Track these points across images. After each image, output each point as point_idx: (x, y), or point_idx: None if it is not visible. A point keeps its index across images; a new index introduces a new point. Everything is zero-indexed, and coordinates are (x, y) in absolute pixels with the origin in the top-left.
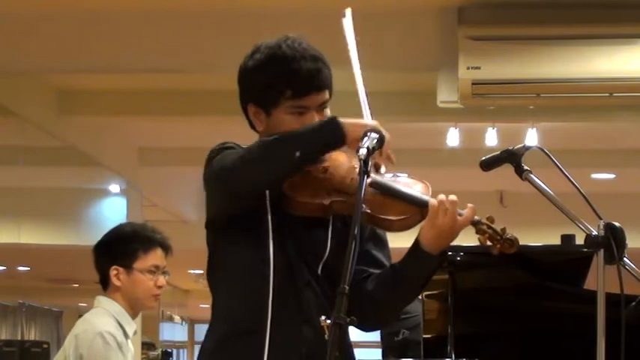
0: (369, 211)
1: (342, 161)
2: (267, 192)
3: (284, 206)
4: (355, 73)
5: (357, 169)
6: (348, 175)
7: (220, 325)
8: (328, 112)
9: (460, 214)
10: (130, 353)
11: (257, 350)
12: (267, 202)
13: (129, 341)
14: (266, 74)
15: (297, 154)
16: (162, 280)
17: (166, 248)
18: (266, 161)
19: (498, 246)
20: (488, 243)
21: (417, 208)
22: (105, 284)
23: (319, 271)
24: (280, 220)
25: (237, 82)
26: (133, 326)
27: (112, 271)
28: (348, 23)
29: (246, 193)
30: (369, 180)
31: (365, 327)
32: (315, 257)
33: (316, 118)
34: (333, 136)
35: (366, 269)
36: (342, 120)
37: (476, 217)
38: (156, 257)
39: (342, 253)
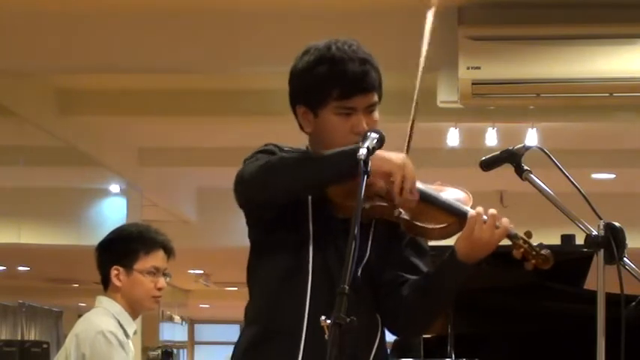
0: (407, 217)
1: None
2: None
3: (327, 207)
4: (419, 69)
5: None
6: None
7: (255, 324)
8: (377, 114)
9: (497, 227)
10: (131, 353)
11: (292, 352)
12: (310, 205)
13: (129, 341)
14: (314, 75)
15: (315, 178)
16: (162, 282)
17: (169, 251)
18: (282, 178)
19: (533, 261)
20: (523, 258)
21: (456, 218)
22: (106, 284)
23: (359, 274)
24: (321, 223)
25: (287, 83)
26: (133, 326)
27: (113, 271)
28: (429, 18)
29: (259, 203)
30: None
31: (400, 332)
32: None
33: (363, 121)
34: (353, 168)
35: (403, 275)
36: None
37: (513, 231)
38: (157, 259)
39: (383, 258)
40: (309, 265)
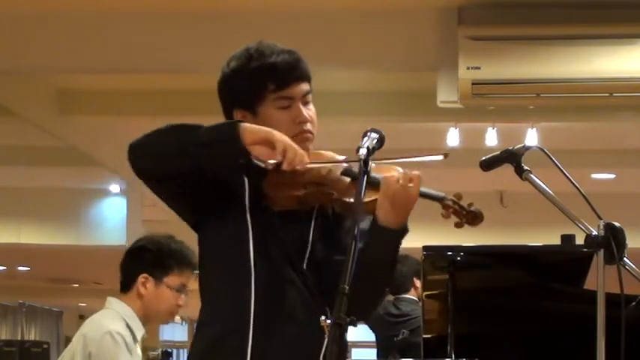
0: (335, 194)
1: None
2: (247, 192)
3: (264, 202)
4: None
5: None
6: (324, 167)
7: (211, 326)
8: (312, 107)
9: (411, 183)
10: (137, 358)
11: (241, 351)
12: (247, 200)
13: (137, 345)
14: (247, 72)
15: (193, 145)
16: (183, 299)
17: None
18: (161, 138)
19: (463, 220)
20: (453, 218)
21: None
22: (126, 287)
23: (304, 267)
24: (261, 219)
25: (217, 95)
26: (142, 331)
27: (141, 278)
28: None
29: (143, 166)
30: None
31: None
32: (298, 254)
33: (303, 111)
34: (226, 134)
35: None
36: (246, 125)
37: (442, 194)
38: (186, 277)
39: (325, 249)
40: (250, 260)
